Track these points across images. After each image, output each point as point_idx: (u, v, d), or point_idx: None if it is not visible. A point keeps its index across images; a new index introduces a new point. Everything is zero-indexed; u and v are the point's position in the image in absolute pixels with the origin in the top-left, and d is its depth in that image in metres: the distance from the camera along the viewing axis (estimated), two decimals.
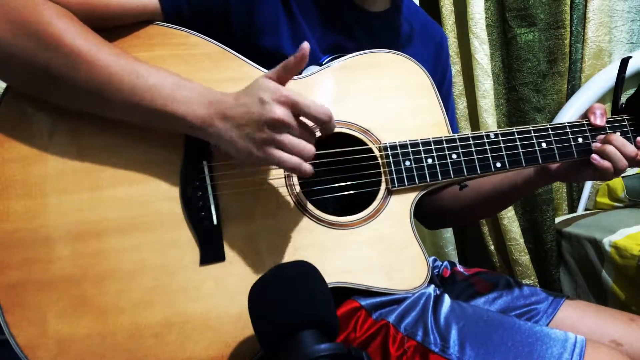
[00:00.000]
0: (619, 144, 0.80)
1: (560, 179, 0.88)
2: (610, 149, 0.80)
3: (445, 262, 1.03)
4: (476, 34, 1.46)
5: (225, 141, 0.66)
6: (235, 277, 0.70)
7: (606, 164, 0.80)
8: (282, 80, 0.67)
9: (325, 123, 0.67)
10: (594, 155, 0.81)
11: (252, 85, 0.67)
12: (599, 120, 0.84)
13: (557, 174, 0.86)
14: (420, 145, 0.79)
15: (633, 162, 0.81)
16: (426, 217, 1.02)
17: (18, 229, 0.65)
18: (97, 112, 0.68)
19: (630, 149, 0.80)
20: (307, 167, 0.66)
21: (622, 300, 1.23)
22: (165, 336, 0.67)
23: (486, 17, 1.50)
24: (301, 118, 0.66)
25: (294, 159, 0.65)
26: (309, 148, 0.66)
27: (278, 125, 0.64)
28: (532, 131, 0.82)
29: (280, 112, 0.64)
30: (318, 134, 0.70)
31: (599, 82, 1.62)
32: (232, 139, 0.66)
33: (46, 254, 0.65)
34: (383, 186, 0.78)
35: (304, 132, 0.67)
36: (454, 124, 0.86)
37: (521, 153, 0.81)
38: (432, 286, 0.79)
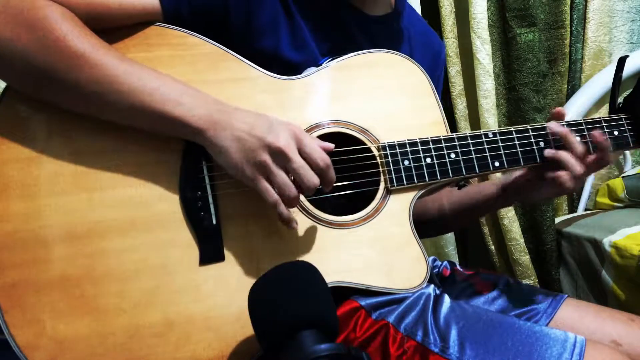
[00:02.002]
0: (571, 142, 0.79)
1: (517, 198, 0.88)
2: (562, 153, 0.79)
3: (445, 262, 1.03)
4: (478, 33, 1.46)
5: (220, 149, 0.66)
6: (235, 277, 0.70)
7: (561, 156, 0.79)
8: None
9: (321, 169, 0.67)
10: (548, 151, 0.80)
11: (268, 115, 0.68)
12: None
13: (513, 193, 0.86)
14: (419, 144, 0.79)
15: (584, 162, 0.79)
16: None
17: (17, 230, 0.65)
18: (98, 114, 0.69)
19: (580, 148, 0.78)
20: (284, 210, 0.67)
21: (622, 300, 1.23)
22: (165, 336, 0.67)
23: (486, 17, 1.50)
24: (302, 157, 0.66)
25: (275, 197, 0.66)
26: (294, 195, 0.66)
27: (278, 153, 0.65)
28: (530, 130, 0.82)
29: (285, 142, 0.65)
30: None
31: (599, 82, 1.62)
32: (228, 149, 0.66)
33: (46, 254, 0.65)
34: (382, 186, 0.78)
35: (299, 170, 0.66)
36: None
37: (519, 152, 0.81)
38: (432, 286, 0.79)
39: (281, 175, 0.66)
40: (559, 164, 0.79)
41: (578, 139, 0.80)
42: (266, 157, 0.65)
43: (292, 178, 0.67)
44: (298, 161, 0.66)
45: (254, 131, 0.66)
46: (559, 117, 0.84)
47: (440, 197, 0.97)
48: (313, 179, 0.66)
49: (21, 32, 0.63)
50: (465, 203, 0.94)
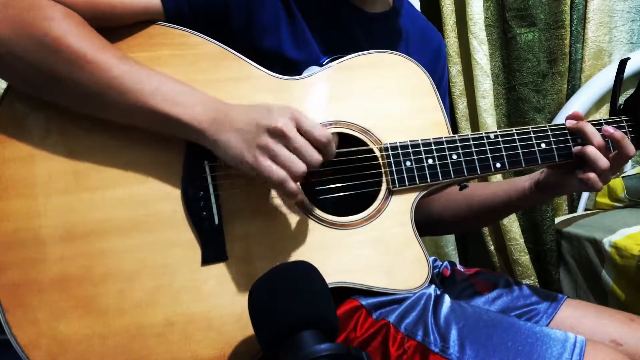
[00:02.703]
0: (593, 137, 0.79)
1: (551, 192, 0.88)
2: (588, 147, 0.79)
3: (446, 262, 1.03)
4: (475, 34, 1.46)
5: (221, 144, 0.66)
6: (237, 276, 0.70)
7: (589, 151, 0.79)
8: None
9: (323, 145, 0.66)
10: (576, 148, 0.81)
11: (264, 102, 0.68)
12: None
13: (545, 187, 0.86)
14: (421, 145, 0.79)
15: (607, 156, 0.80)
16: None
17: (19, 229, 0.65)
18: (98, 114, 0.69)
19: (601, 140, 0.79)
20: (293, 185, 0.65)
21: (622, 300, 1.23)
22: (166, 336, 0.67)
23: (486, 17, 1.50)
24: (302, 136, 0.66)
25: (281, 173, 0.64)
26: (300, 166, 0.65)
27: (277, 134, 0.64)
28: (531, 132, 0.82)
29: (283, 122, 0.64)
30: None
31: (599, 82, 1.62)
32: (228, 142, 0.66)
33: (47, 254, 0.65)
34: (384, 186, 0.78)
35: (300, 149, 0.65)
36: None
37: (521, 154, 0.81)
38: (433, 286, 0.79)
39: (283, 152, 0.65)
40: (585, 160, 0.79)
41: (597, 131, 0.80)
42: (267, 140, 0.64)
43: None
44: (298, 140, 0.65)
45: (252, 119, 0.66)
46: (577, 118, 0.84)
47: (472, 194, 0.95)
48: (314, 155, 0.65)
49: (22, 32, 0.63)
50: (499, 200, 0.91)
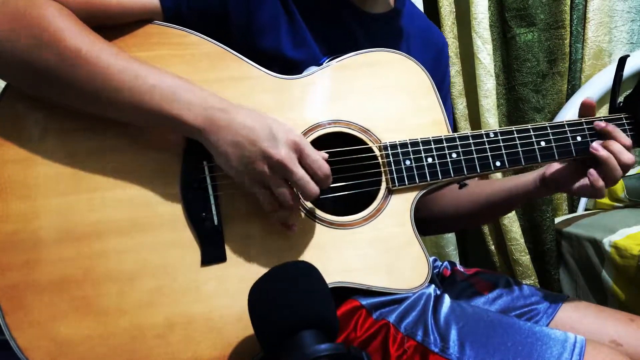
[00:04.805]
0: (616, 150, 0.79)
1: (555, 189, 0.88)
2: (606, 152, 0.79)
3: (446, 262, 1.02)
4: (479, 33, 1.46)
5: (220, 153, 0.66)
6: (237, 277, 0.70)
7: (605, 153, 0.79)
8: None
9: (320, 180, 0.67)
10: (594, 145, 0.80)
11: (268, 118, 0.68)
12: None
13: (550, 183, 0.86)
14: (420, 144, 0.79)
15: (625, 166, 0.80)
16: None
17: (18, 231, 0.65)
18: (96, 112, 0.69)
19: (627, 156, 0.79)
20: (283, 215, 0.68)
21: (622, 300, 1.23)
22: (167, 337, 0.67)
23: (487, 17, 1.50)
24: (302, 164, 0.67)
25: (272, 206, 0.68)
26: (290, 201, 0.67)
27: (277, 166, 0.65)
28: (531, 130, 0.82)
29: (285, 154, 0.65)
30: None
31: (599, 82, 1.61)
32: (227, 154, 0.66)
33: (46, 255, 0.65)
34: (383, 185, 0.78)
35: (299, 182, 0.66)
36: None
37: (520, 152, 0.81)
38: (433, 286, 0.79)
39: (280, 186, 0.66)
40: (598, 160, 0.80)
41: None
42: (265, 169, 0.65)
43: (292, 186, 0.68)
44: (299, 172, 0.66)
45: (254, 138, 0.65)
46: (590, 108, 0.84)
47: (474, 191, 0.95)
48: (312, 189, 0.67)
49: (18, 30, 0.63)
50: (502, 196, 0.92)
